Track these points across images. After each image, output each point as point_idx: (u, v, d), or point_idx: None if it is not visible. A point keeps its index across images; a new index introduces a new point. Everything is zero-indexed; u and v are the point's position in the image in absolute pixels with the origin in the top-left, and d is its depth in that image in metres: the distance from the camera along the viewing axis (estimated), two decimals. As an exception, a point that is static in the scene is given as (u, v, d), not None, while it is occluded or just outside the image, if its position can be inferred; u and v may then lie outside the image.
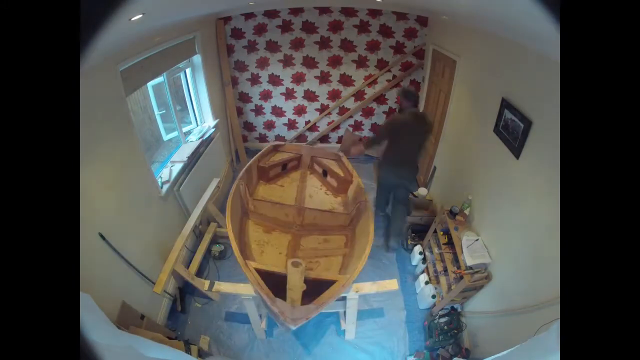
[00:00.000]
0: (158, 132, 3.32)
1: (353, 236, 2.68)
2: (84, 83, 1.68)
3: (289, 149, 3.80)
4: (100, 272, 1.86)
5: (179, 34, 2.97)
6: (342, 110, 4.60)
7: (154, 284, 2.41)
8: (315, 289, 1.77)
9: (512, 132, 1.95)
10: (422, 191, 3.41)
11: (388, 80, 4.30)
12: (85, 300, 1.36)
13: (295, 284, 1.64)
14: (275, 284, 1.77)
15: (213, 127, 3.77)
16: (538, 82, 1.73)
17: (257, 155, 3.42)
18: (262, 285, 1.76)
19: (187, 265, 3.02)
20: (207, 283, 2.34)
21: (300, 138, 4.89)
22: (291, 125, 4.79)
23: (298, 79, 4.37)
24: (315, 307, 1.61)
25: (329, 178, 3.53)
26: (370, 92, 4.41)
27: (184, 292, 2.79)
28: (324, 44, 4.10)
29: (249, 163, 3.25)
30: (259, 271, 1.89)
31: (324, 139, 4.89)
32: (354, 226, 2.74)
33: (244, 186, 2.82)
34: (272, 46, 4.12)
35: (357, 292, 2.16)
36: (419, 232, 3.25)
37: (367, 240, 2.25)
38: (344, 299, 2.22)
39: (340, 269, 2.37)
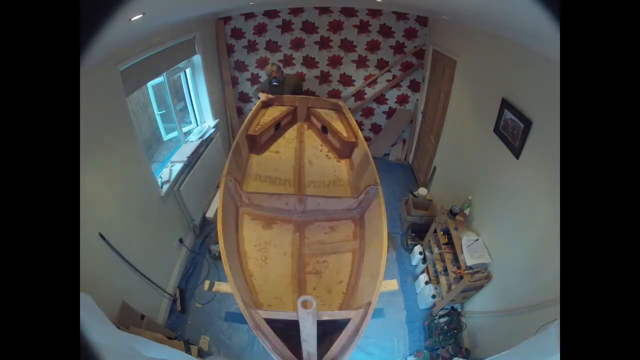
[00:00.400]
0: (158, 132, 3.32)
1: (362, 224, 2.39)
2: (84, 83, 1.67)
3: (281, 101, 3.35)
4: (100, 272, 1.86)
5: (179, 34, 2.97)
6: (342, 110, 4.61)
7: (154, 284, 2.42)
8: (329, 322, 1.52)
9: (512, 132, 1.95)
10: (422, 191, 3.41)
11: (388, 80, 4.30)
12: (85, 300, 1.36)
13: (310, 334, 1.35)
14: (282, 323, 1.52)
15: (213, 127, 3.77)
16: (538, 82, 1.73)
17: (244, 124, 2.91)
18: (278, 346, 1.43)
19: (188, 265, 3.03)
20: (207, 283, 2.34)
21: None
22: (291, 125, 4.79)
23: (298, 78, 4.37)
24: None
25: (329, 137, 3.12)
26: (370, 92, 4.41)
27: (184, 292, 2.80)
28: (324, 44, 4.10)
29: (236, 140, 2.73)
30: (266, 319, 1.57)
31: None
32: (363, 210, 2.45)
33: (233, 182, 2.36)
34: (272, 46, 4.12)
35: None
36: (419, 232, 3.25)
37: (381, 251, 1.85)
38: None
39: (351, 273, 2.08)
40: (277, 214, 2.46)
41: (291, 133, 3.27)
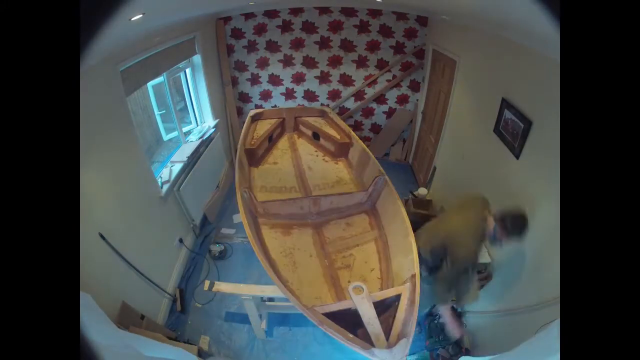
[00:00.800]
0: (158, 132, 3.32)
1: (376, 214, 2.49)
2: (84, 83, 1.68)
3: (269, 114, 3.53)
4: (100, 272, 1.86)
5: (179, 34, 2.97)
6: (342, 111, 4.60)
7: (154, 284, 2.42)
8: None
9: (512, 132, 1.95)
10: (422, 191, 3.41)
11: (388, 80, 4.30)
12: (85, 300, 1.36)
13: (371, 316, 1.41)
14: (336, 314, 1.55)
15: (213, 127, 3.77)
16: (538, 82, 1.73)
17: (240, 140, 3.03)
18: (348, 336, 1.43)
19: (188, 265, 3.03)
20: (207, 283, 2.34)
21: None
22: (291, 125, 4.79)
23: (298, 79, 4.37)
24: (406, 341, 1.37)
25: (323, 142, 3.24)
26: (370, 92, 4.41)
27: (184, 292, 2.80)
28: (324, 44, 4.10)
29: (238, 155, 2.84)
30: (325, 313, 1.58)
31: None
32: (373, 202, 2.54)
33: (248, 193, 2.42)
34: (272, 46, 4.12)
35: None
36: (419, 232, 3.24)
37: (406, 231, 1.97)
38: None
39: (380, 259, 2.15)
40: (292, 220, 2.53)
41: (283, 143, 3.40)
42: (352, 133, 3.12)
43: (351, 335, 1.44)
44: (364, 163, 2.82)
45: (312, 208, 2.54)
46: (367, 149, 2.88)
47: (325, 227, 2.49)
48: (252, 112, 3.54)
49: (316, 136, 3.32)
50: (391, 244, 2.17)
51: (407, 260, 1.85)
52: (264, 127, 3.39)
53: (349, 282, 1.96)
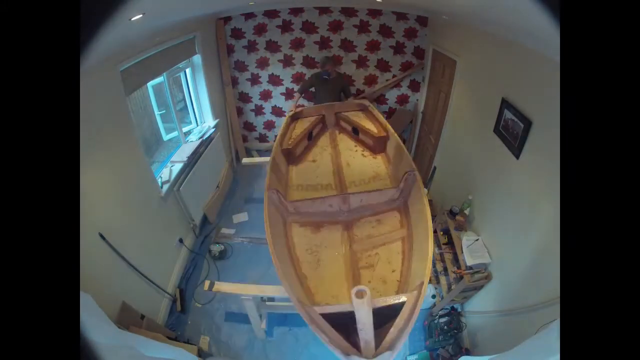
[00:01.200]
0: (158, 132, 3.32)
1: (407, 212, 2.41)
2: (84, 83, 1.67)
3: (309, 112, 3.53)
4: (100, 272, 1.86)
5: (179, 34, 2.97)
6: (342, 110, 4.60)
7: (154, 284, 2.42)
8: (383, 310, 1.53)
9: (512, 132, 1.95)
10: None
11: (388, 80, 4.30)
12: (85, 300, 1.36)
13: (365, 322, 1.36)
14: (339, 316, 1.50)
15: (213, 127, 3.77)
16: (538, 82, 1.73)
17: (277, 139, 3.04)
18: (335, 338, 1.40)
19: (188, 265, 3.03)
20: (207, 283, 2.35)
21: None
22: (291, 125, 4.78)
23: (298, 79, 4.37)
24: (390, 355, 1.34)
25: (361, 136, 3.22)
26: (370, 91, 4.41)
27: (184, 292, 2.80)
28: (324, 44, 4.10)
29: (272, 156, 2.80)
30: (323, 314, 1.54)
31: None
32: (405, 198, 2.47)
33: (276, 194, 2.39)
34: (272, 46, 4.12)
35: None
36: (419, 232, 3.24)
37: (426, 233, 1.92)
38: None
39: (403, 260, 2.10)
40: (323, 218, 2.49)
41: (324, 140, 3.37)
42: (389, 126, 3.07)
43: (337, 336, 1.40)
44: (399, 157, 2.76)
45: (342, 206, 2.50)
46: (402, 143, 2.81)
47: (355, 225, 2.43)
48: (290, 112, 3.57)
49: (356, 131, 3.29)
50: (415, 246, 2.11)
51: (422, 264, 1.78)
52: (303, 126, 3.37)
53: (369, 282, 1.93)
